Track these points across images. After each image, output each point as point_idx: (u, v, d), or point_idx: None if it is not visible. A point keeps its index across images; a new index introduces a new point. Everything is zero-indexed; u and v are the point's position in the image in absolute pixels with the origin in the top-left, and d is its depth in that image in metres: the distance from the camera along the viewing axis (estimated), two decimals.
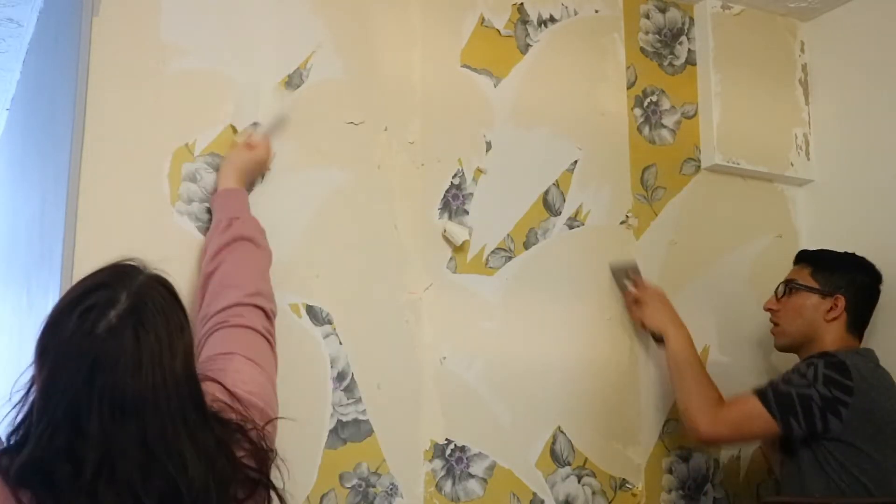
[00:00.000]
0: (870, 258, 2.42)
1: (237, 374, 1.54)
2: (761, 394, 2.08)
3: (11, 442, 1.33)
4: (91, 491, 1.26)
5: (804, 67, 2.73)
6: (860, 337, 2.26)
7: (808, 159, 2.68)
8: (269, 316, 1.72)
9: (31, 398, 1.34)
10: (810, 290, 2.24)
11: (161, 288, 1.40)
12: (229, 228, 1.78)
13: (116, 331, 1.31)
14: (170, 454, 1.29)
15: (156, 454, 1.29)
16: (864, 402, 2.02)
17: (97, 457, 1.26)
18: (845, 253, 2.30)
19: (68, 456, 1.27)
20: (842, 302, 2.21)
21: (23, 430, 1.33)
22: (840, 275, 2.25)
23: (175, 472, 1.29)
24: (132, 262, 1.41)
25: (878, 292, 2.29)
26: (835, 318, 2.21)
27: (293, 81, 2.04)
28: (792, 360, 2.32)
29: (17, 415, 1.34)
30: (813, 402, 2.03)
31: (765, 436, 2.19)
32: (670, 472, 2.35)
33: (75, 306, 1.33)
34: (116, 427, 1.27)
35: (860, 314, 2.25)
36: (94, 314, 1.31)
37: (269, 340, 1.68)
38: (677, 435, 2.37)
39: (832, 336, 2.20)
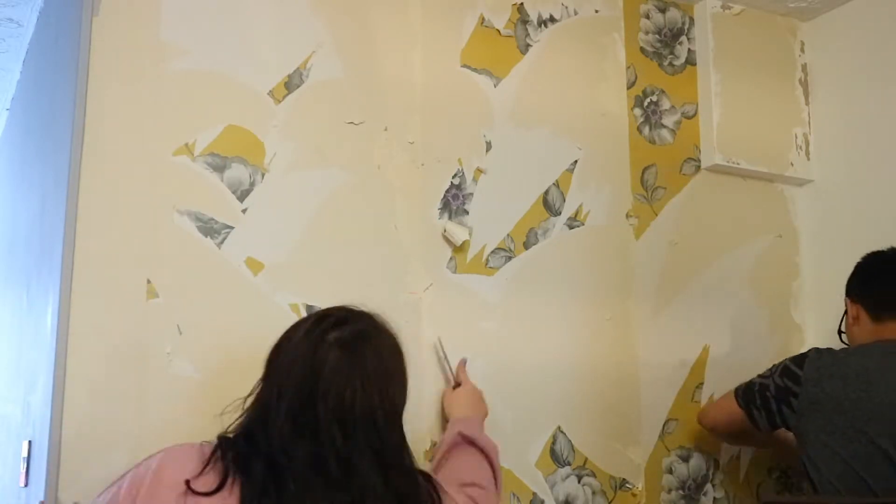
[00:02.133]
0: None
1: None
2: (737, 387, 2.18)
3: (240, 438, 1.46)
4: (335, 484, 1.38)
5: (804, 67, 2.73)
6: (886, 323, 2.09)
7: (808, 159, 2.68)
8: None
9: (258, 401, 1.48)
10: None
11: (395, 340, 1.55)
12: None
13: (346, 343, 1.45)
14: (397, 467, 1.46)
15: (385, 463, 1.43)
16: (811, 392, 2.01)
17: (334, 457, 1.40)
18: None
19: (303, 458, 1.40)
20: (849, 304, 2.18)
21: (247, 427, 1.47)
22: (847, 284, 2.21)
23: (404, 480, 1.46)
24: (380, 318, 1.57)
25: (879, 269, 2.16)
26: (856, 320, 2.15)
27: (293, 81, 2.04)
28: (793, 347, 2.31)
29: (246, 418, 1.48)
30: (769, 392, 2.10)
31: (740, 427, 2.19)
32: (670, 472, 2.35)
33: (312, 318, 1.51)
34: (346, 439, 1.41)
35: (873, 300, 2.12)
36: (326, 324, 1.48)
37: None
38: (677, 435, 2.37)
39: (861, 338, 2.13)
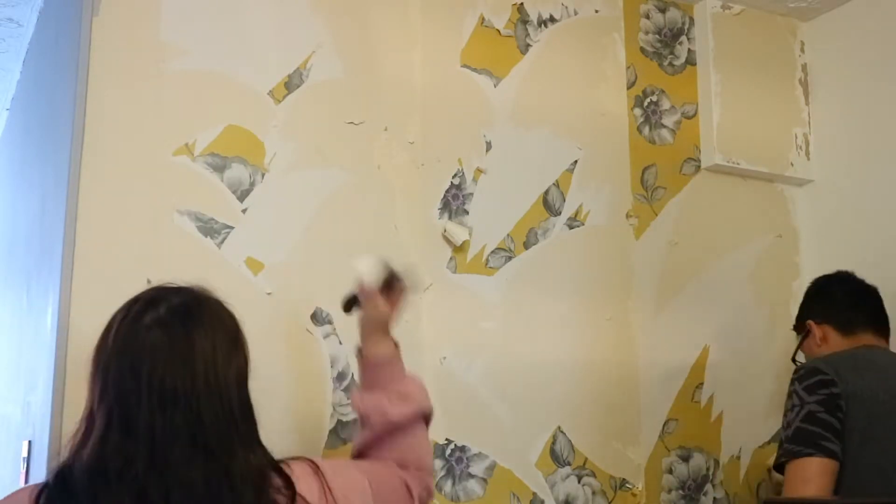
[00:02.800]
0: (869, 258, 2.43)
1: (349, 480, 1.45)
2: (785, 454, 1.94)
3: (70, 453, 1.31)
4: (142, 486, 1.23)
5: (804, 67, 2.73)
6: (857, 335, 2.14)
7: (808, 159, 2.68)
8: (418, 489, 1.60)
9: (88, 406, 1.33)
10: (799, 336, 2.26)
11: (223, 306, 1.39)
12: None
13: (165, 323, 1.30)
14: (222, 449, 1.27)
15: (207, 447, 1.26)
16: (846, 388, 1.94)
17: (147, 450, 1.24)
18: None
19: (120, 452, 1.24)
20: (814, 326, 2.19)
21: (81, 437, 1.31)
22: (801, 308, 2.26)
23: (224, 468, 1.26)
24: (200, 287, 1.41)
25: (838, 287, 2.22)
26: (824, 340, 2.15)
27: (293, 81, 2.04)
28: (793, 347, 2.32)
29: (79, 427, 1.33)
30: (817, 415, 1.93)
31: (830, 478, 1.91)
32: (670, 472, 2.35)
33: (125, 305, 1.35)
34: (166, 418, 1.25)
35: (837, 320, 2.15)
36: (138, 306, 1.33)
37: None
38: (677, 435, 2.37)
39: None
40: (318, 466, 1.39)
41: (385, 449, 1.60)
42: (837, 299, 2.20)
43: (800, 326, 2.26)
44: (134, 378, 1.27)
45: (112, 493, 1.23)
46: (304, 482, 1.35)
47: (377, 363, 1.67)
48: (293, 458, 1.40)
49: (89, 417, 1.31)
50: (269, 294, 1.94)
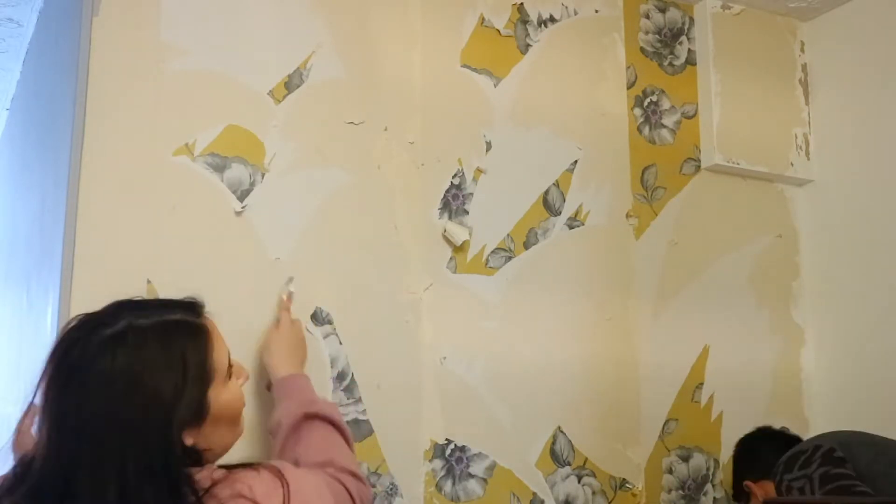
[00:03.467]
0: (869, 258, 2.43)
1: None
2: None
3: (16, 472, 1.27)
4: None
5: (804, 67, 2.73)
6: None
7: (808, 159, 2.68)
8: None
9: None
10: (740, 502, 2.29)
11: (185, 326, 1.31)
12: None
13: (103, 348, 1.23)
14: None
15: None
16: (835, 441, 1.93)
17: (58, 478, 1.19)
18: None
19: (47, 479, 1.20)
20: (752, 485, 2.22)
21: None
22: (734, 473, 2.32)
23: None
24: (191, 300, 1.36)
25: (759, 445, 2.29)
26: (767, 494, 2.15)
27: (293, 81, 2.04)
28: (793, 347, 2.32)
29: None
30: (831, 472, 1.86)
31: None
32: (670, 472, 2.35)
33: (78, 322, 1.29)
34: (73, 445, 1.19)
35: (773, 471, 2.04)
36: (85, 329, 1.27)
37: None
38: (677, 435, 2.37)
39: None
40: (281, 473, 1.32)
41: (289, 449, 1.62)
42: (765, 452, 2.21)
43: (738, 491, 2.28)
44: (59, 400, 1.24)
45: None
46: (262, 488, 1.27)
47: (283, 383, 1.75)
48: (260, 463, 1.35)
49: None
50: (269, 294, 1.94)
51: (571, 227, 2.31)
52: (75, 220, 1.80)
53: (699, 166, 2.56)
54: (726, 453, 2.43)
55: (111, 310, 1.31)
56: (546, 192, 2.29)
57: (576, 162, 2.34)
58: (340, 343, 2.00)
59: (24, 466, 1.26)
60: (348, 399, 1.98)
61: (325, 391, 1.97)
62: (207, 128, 1.94)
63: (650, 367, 2.35)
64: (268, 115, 2.00)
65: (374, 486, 1.98)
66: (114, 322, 1.27)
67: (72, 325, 1.30)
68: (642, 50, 2.53)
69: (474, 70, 2.26)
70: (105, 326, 1.26)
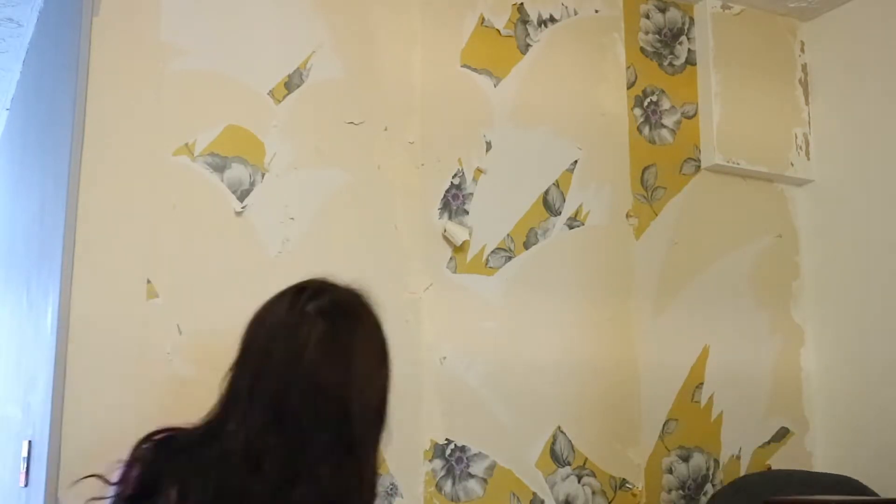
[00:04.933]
0: (869, 258, 2.42)
1: None
2: None
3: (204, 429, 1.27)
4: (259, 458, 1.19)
5: (804, 67, 2.73)
6: None
7: (808, 159, 2.68)
8: None
9: (232, 386, 1.28)
10: None
11: (377, 316, 1.36)
12: None
13: (328, 314, 1.28)
14: (361, 451, 1.23)
15: (350, 447, 1.22)
16: None
17: (286, 437, 1.20)
18: None
19: (263, 433, 1.20)
20: None
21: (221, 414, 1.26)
22: None
23: (358, 470, 1.22)
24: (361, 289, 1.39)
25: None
26: None
27: (293, 81, 2.04)
28: (793, 347, 2.32)
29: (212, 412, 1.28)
30: None
31: None
32: (670, 472, 2.35)
33: (288, 292, 1.32)
34: (317, 411, 1.21)
35: None
36: (306, 294, 1.31)
37: None
38: (677, 435, 2.37)
39: None
40: None
41: None
42: None
43: None
44: (290, 365, 1.24)
45: (236, 461, 1.20)
46: None
47: None
48: None
49: (228, 399, 1.27)
50: (269, 294, 1.94)
51: (571, 227, 2.31)
52: (75, 220, 1.80)
53: (699, 166, 2.56)
54: (726, 453, 2.44)
55: None
56: (546, 192, 2.29)
57: (576, 162, 2.34)
58: None
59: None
60: None
61: None
62: (207, 128, 1.94)
63: (650, 367, 2.35)
64: (268, 115, 2.00)
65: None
66: None
67: None
68: (642, 50, 2.52)
69: (474, 70, 2.26)
70: None
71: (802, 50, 2.74)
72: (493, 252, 2.20)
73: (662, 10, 2.58)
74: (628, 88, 2.47)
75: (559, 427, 2.20)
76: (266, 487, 1.18)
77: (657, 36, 2.56)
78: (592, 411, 2.24)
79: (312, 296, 1.32)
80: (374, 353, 1.30)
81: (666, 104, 2.53)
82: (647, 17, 2.55)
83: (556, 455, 2.19)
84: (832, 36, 2.68)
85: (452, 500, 2.06)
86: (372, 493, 1.26)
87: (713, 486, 2.40)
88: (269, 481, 1.18)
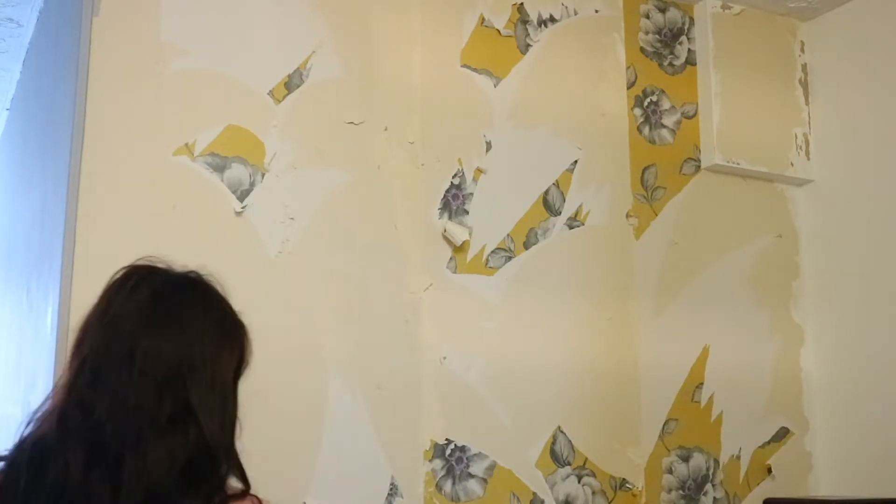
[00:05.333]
0: (869, 258, 2.42)
1: None
2: None
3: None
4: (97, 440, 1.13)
5: (804, 67, 2.73)
6: None
7: (808, 159, 2.68)
8: None
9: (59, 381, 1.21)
10: None
11: (222, 296, 1.31)
12: None
13: (158, 292, 1.23)
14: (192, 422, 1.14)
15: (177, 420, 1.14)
16: None
17: (111, 409, 1.13)
18: None
19: (83, 403, 1.14)
20: None
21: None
22: None
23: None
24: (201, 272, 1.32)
25: None
26: None
27: (293, 81, 2.04)
28: (793, 347, 2.32)
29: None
30: None
31: None
32: (670, 472, 2.35)
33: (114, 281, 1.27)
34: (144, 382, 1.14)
35: None
36: (133, 281, 1.26)
37: None
38: (677, 435, 2.37)
39: None
40: None
41: None
42: None
43: None
44: (114, 339, 1.19)
45: (66, 445, 1.13)
46: None
47: None
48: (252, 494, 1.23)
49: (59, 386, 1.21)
50: (269, 294, 1.94)
51: (571, 227, 2.31)
52: (75, 220, 1.80)
53: (699, 166, 2.56)
54: (726, 453, 2.43)
55: None
56: (546, 192, 2.29)
57: (576, 162, 2.34)
58: None
59: None
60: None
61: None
62: (207, 128, 1.94)
63: (650, 367, 2.35)
64: (268, 115, 2.00)
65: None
66: None
67: None
68: (642, 50, 2.52)
69: (474, 70, 2.26)
70: None
71: (802, 50, 2.74)
72: (493, 252, 2.20)
73: (662, 10, 2.58)
74: (628, 88, 2.47)
75: (559, 427, 2.20)
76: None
77: (657, 36, 2.56)
78: (592, 411, 2.24)
79: (142, 276, 1.27)
80: (211, 332, 1.23)
81: (666, 104, 2.53)
82: (647, 17, 2.55)
83: (556, 455, 2.19)
84: (832, 36, 2.68)
85: (452, 500, 2.06)
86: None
87: (713, 486, 2.40)
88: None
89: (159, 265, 1.31)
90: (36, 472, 1.13)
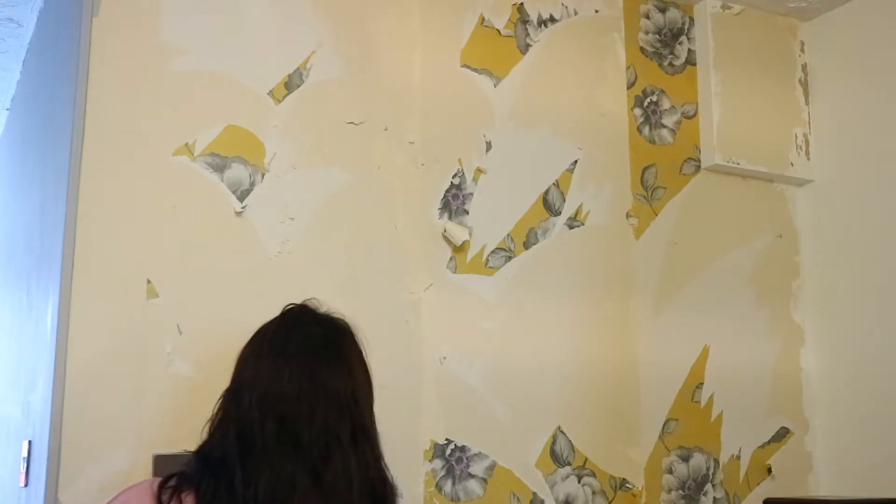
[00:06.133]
0: (869, 258, 2.42)
1: None
2: None
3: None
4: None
5: (804, 67, 2.73)
6: None
7: (808, 159, 2.68)
8: None
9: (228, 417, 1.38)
10: None
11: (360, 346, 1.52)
12: None
13: (319, 346, 1.42)
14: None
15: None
16: None
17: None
18: None
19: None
20: None
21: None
22: None
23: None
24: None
25: None
26: None
27: (293, 81, 2.04)
28: (793, 347, 2.32)
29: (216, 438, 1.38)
30: None
31: None
32: (670, 472, 2.35)
33: (276, 322, 1.46)
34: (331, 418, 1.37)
35: None
36: (295, 320, 1.46)
37: None
38: (677, 435, 2.37)
39: None
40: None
41: None
42: None
43: None
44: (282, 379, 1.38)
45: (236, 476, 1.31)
46: None
47: None
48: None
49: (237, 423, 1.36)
50: (269, 294, 1.94)
51: (571, 227, 2.31)
52: (75, 220, 1.80)
53: (699, 166, 2.56)
54: (726, 453, 2.44)
55: None
56: (546, 192, 2.30)
57: (576, 162, 2.34)
58: None
59: None
60: None
61: None
62: (207, 128, 1.94)
63: (650, 367, 2.35)
64: (268, 115, 2.00)
65: None
66: None
67: None
68: (642, 50, 2.53)
69: (474, 70, 2.26)
70: None
71: (802, 50, 2.74)
72: (493, 252, 2.20)
73: (662, 10, 2.58)
74: (628, 88, 2.47)
75: (559, 427, 2.20)
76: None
77: (657, 36, 2.56)
78: (592, 411, 2.24)
79: (300, 319, 1.49)
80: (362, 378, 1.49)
81: (666, 104, 2.53)
82: (647, 17, 2.55)
83: (556, 455, 2.19)
84: (832, 36, 2.68)
85: (452, 500, 2.06)
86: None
87: (713, 486, 2.40)
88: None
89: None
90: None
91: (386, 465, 1.44)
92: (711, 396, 2.44)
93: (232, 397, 1.39)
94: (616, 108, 2.43)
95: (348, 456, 1.36)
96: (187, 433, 1.76)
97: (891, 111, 2.50)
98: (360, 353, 1.50)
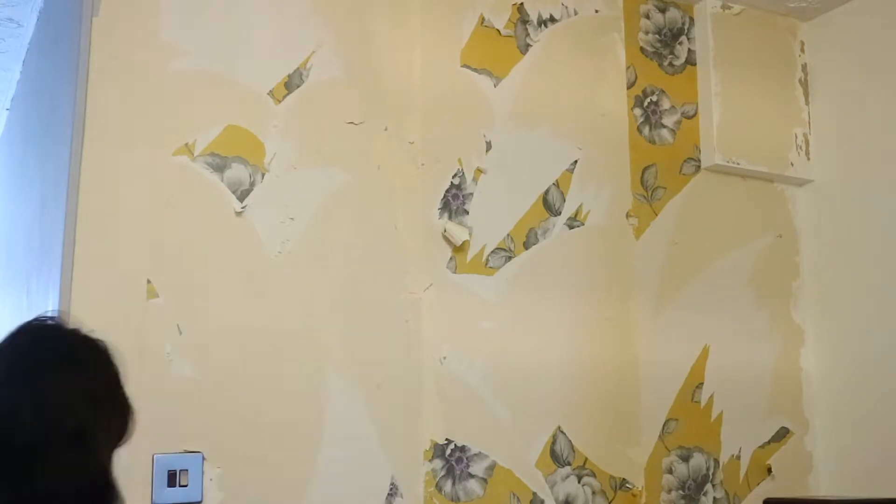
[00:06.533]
0: (869, 258, 2.42)
1: None
2: None
3: None
4: None
5: (804, 67, 2.73)
6: None
7: (808, 159, 2.68)
8: None
9: None
10: None
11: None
12: None
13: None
14: None
15: None
16: None
17: None
18: None
19: None
20: None
21: None
22: None
23: None
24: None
25: None
26: None
27: (293, 81, 2.04)
28: (793, 347, 2.32)
29: None
30: None
31: None
32: (670, 472, 2.35)
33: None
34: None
35: None
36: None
37: None
38: (677, 435, 2.37)
39: None
40: None
41: None
42: None
43: None
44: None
45: None
46: None
47: None
48: None
49: None
50: (269, 294, 1.94)
51: (571, 227, 2.31)
52: (75, 220, 1.80)
53: (699, 166, 2.56)
54: (726, 453, 2.44)
55: None
56: (546, 192, 2.30)
57: (576, 162, 2.34)
58: None
59: None
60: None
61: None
62: (207, 128, 1.94)
63: (650, 367, 2.35)
64: (268, 115, 2.00)
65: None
66: None
67: None
68: (642, 50, 2.52)
69: (474, 70, 2.26)
70: None
71: (802, 50, 2.74)
72: (493, 252, 2.20)
73: (662, 10, 2.58)
74: (628, 88, 2.47)
75: (559, 427, 2.20)
76: None
77: (657, 36, 2.56)
78: (592, 411, 2.24)
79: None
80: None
81: (666, 104, 2.53)
82: (647, 17, 2.55)
83: (556, 455, 2.19)
84: (832, 36, 2.68)
85: (452, 500, 2.06)
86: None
87: (713, 486, 2.40)
88: None
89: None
90: None
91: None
92: (711, 396, 2.44)
93: None
94: (616, 108, 2.43)
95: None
96: (187, 433, 1.77)
97: (891, 111, 2.50)
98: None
